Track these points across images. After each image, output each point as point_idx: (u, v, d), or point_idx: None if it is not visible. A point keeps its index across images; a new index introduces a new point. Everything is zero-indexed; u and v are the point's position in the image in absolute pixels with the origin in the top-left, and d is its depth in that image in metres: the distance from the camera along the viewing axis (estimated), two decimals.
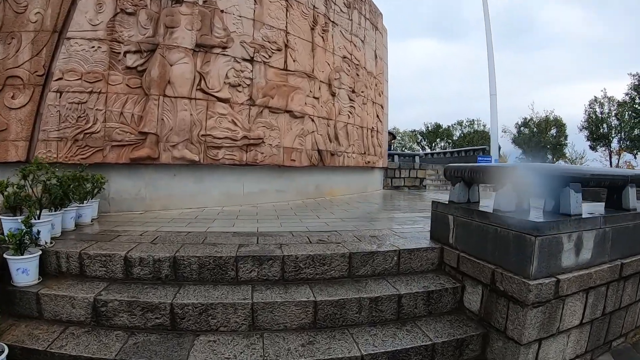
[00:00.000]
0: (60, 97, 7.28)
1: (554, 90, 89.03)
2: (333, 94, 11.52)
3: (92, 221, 6.54)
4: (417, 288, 4.49)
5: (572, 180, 4.27)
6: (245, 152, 8.90)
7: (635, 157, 28.15)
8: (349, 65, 12.37)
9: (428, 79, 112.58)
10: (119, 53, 7.59)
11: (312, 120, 10.62)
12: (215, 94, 8.39)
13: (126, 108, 7.61)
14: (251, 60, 8.99)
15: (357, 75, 12.90)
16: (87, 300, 3.96)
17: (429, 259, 5.08)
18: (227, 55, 8.62)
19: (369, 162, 14.08)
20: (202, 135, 8.22)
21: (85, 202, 6.38)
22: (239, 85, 8.76)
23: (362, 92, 13.24)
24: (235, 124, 8.67)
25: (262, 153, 9.21)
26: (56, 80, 7.25)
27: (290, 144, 9.93)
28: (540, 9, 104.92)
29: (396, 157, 18.55)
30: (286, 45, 9.80)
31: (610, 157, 30.69)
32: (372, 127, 14.36)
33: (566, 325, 4.18)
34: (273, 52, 9.48)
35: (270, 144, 9.38)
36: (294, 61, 9.97)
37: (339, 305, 4.10)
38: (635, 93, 27.42)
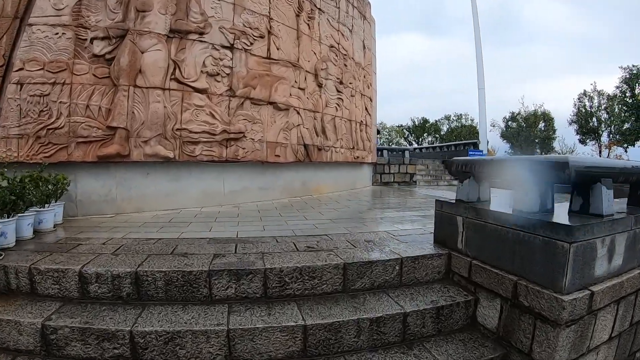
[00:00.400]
0: (20, 90, 6.56)
1: (539, 84, 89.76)
2: (320, 85, 10.85)
3: (54, 227, 5.77)
4: (424, 304, 3.85)
5: (603, 176, 3.68)
6: (225, 147, 8.19)
7: (626, 151, 28.07)
8: (337, 55, 11.70)
9: (414, 74, 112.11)
10: (85, 40, 6.85)
11: (298, 112, 9.95)
12: (192, 84, 7.66)
13: (93, 100, 6.86)
14: (231, 48, 8.27)
15: (345, 65, 12.24)
16: (35, 326, 3.26)
17: (435, 267, 4.45)
18: (205, 41, 7.89)
19: (357, 157, 13.45)
20: (177, 129, 7.49)
21: (47, 205, 5.65)
22: (218, 74, 8.04)
23: (350, 83, 12.59)
24: (213, 116, 7.95)
25: (244, 148, 8.51)
26: (17, 70, 6.50)
27: (274, 138, 9.24)
28: (523, 6, 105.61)
29: (385, 152, 17.96)
30: (269, 32, 9.10)
31: (600, 151, 30.55)
32: (361, 121, 13.73)
33: (596, 342, 3.60)
34: (255, 39, 8.77)
35: (253, 139, 8.69)
36: (277, 49, 9.28)
37: (333, 330, 3.42)
38: (627, 86, 27.23)
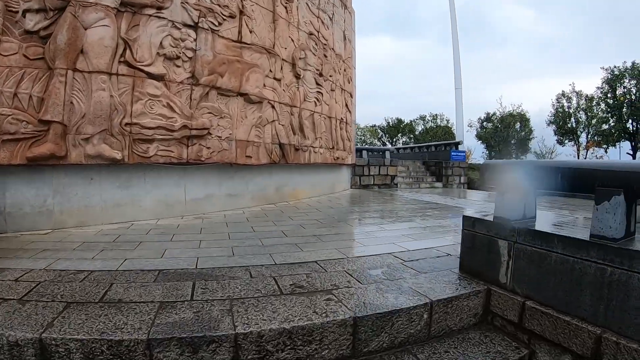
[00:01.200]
0: None
1: (513, 86, 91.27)
2: (297, 76, 9.66)
3: None
4: None
5: None
6: (186, 146, 6.91)
7: (606, 152, 28.05)
8: (316, 44, 10.54)
9: (383, 76, 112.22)
10: (17, 12, 5.49)
11: (272, 106, 8.74)
12: (146, 69, 6.35)
13: (22, 87, 5.51)
14: (195, 27, 6.99)
15: (325, 56, 11.09)
16: None
17: (471, 309, 3.35)
18: (163, 18, 6.59)
19: (337, 158, 12.33)
20: (127, 124, 6.18)
21: None
22: (178, 58, 6.75)
23: (330, 76, 11.44)
24: (171, 109, 6.65)
25: (209, 148, 7.25)
26: None
27: (245, 135, 8.00)
28: (490, 10, 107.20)
29: (364, 152, 16.91)
30: (241, 12, 7.85)
31: (579, 152, 30.45)
32: (342, 118, 12.61)
33: None
34: (224, 19, 7.50)
35: (219, 136, 7.43)
36: (250, 32, 8.04)
37: None
38: (608, 87, 27.14)
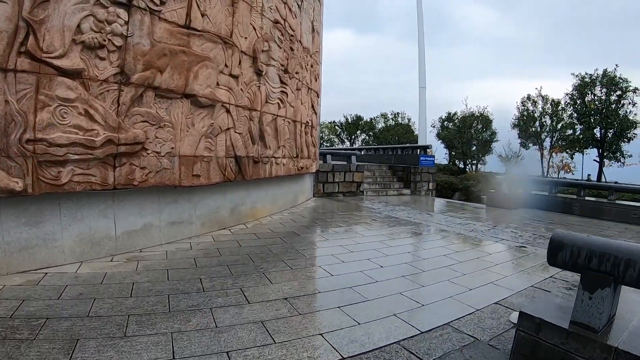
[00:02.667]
0: None
1: (470, 85, 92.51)
2: (259, 73, 8.15)
3: None
4: None
5: None
6: (113, 167, 5.28)
7: (572, 158, 28.06)
8: (282, 35, 9.05)
9: (343, 70, 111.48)
10: None
11: (228, 111, 7.22)
12: (56, 62, 4.66)
13: None
14: (128, 5, 5.33)
15: (292, 49, 9.62)
16: None
17: None
18: None
19: (302, 168, 10.93)
20: (29, 140, 4.48)
21: None
22: (102, 47, 5.09)
23: (296, 73, 9.99)
24: (91, 118, 4.99)
25: (144, 168, 5.63)
26: None
27: (192, 149, 6.46)
28: (456, 7, 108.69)
29: (329, 156, 15.52)
30: None
31: (542, 156, 30.40)
32: (307, 122, 11.21)
33: None
34: None
35: (158, 152, 5.85)
36: (202, 15, 6.46)
37: None
38: (577, 93, 27.02)
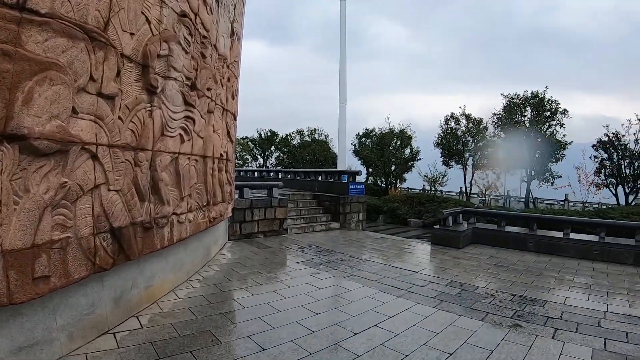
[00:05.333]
0: None
1: (382, 101, 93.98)
2: (152, 90, 5.32)
3: None
4: None
5: None
6: None
7: (498, 178, 27.52)
8: (191, 35, 6.26)
9: (254, 81, 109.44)
10: None
11: (95, 156, 4.32)
12: None
13: None
14: None
15: (203, 57, 6.85)
16: None
17: None
18: None
19: (215, 217, 8.15)
20: None
21: None
22: None
23: (208, 89, 7.22)
24: None
25: None
26: None
27: (28, 236, 3.45)
28: (368, 26, 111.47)
29: (247, 189, 12.78)
30: None
31: (465, 176, 29.65)
32: (222, 154, 8.44)
33: None
34: None
35: None
36: None
37: None
38: (507, 114, 26.51)
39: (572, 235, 12.29)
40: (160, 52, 5.38)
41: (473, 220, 14.52)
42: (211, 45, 7.20)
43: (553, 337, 5.54)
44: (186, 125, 6.38)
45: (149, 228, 5.39)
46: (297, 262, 9.67)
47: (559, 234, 12.59)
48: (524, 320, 6.20)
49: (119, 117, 4.67)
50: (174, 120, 5.98)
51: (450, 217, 13.40)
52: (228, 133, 8.89)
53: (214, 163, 7.82)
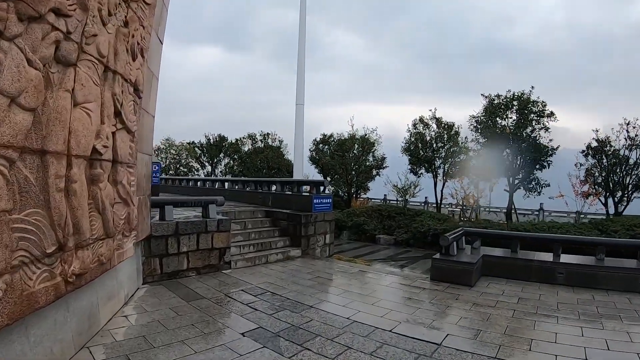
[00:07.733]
0: None
1: (337, 109, 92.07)
2: None
3: None
4: None
5: None
6: None
7: (476, 187, 24.55)
8: None
9: (207, 87, 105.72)
10: None
11: None
12: None
13: None
14: None
15: None
16: None
17: None
18: None
19: (82, 272, 4.33)
20: None
21: None
22: None
23: (54, 12, 3.48)
24: None
25: None
26: None
27: None
28: (323, 35, 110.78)
29: (170, 208, 8.87)
30: None
31: (435, 185, 26.54)
32: (98, 151, 4.64)
33: None
34: None
35: None
36: None
37: None
38: (487, 117, 23.63)
39: (607, 262, 9.22)
40: None
41: (477, 244, 11.06)
42: None
43: None
44: None
45: None
46: (243, 334, 5.82)
47: (590, 260, 9.46)
48: None
49: None
50: None
51: (454, 244, 9.96)
52: (118, 114, 5.09)
53: (73, 167, 4.03)
